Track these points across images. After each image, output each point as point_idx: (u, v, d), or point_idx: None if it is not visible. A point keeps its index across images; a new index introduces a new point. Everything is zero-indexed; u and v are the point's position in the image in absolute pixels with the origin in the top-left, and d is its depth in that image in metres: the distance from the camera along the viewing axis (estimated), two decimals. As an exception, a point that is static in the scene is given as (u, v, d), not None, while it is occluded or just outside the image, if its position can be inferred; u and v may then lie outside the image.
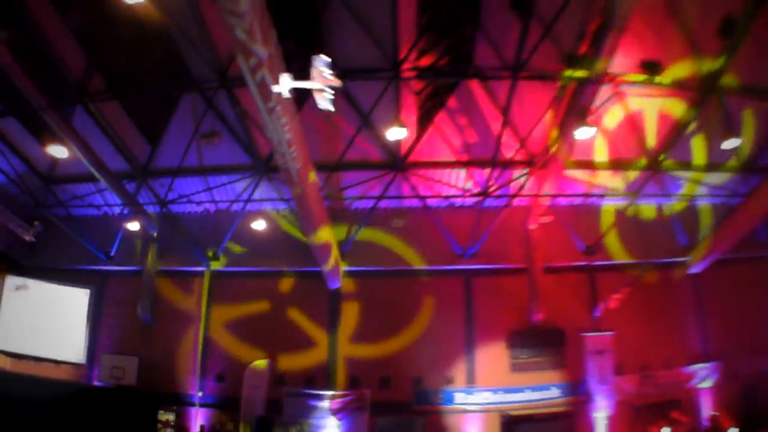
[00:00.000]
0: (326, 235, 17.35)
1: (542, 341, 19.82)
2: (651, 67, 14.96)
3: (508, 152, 17.90)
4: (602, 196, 19.82)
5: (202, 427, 19.04)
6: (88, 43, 16.52)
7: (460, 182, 19.08)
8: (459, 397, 19.31)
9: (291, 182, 14.21)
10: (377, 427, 19.09)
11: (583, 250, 20.03)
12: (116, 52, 16.56)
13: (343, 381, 19.37)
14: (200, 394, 19.47)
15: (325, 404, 18.98)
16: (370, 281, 19.96)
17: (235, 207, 19.45)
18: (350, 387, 19.17)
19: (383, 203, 19.19)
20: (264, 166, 18.46)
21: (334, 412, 18.97)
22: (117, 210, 20.37)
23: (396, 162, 18.40)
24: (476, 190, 18.45)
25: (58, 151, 16.98)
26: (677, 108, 17.79)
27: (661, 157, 18.61)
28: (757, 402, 20.82)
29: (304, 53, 14.51)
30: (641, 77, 15.40)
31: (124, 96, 17.77)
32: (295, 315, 19.63)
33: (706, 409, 20.54)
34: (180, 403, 19.54)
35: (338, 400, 18.98)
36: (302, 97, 14.27)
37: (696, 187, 19.99)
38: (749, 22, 14.34)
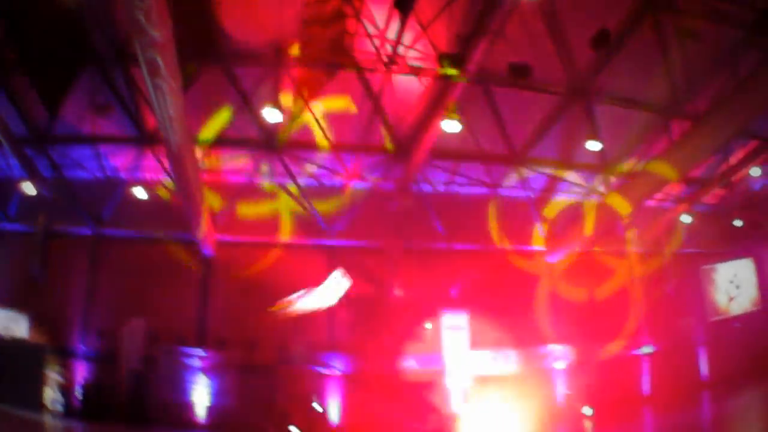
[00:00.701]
0: (201, 205, 18.56)
1: (401, 315, 21.21)
2: (520, 70, 15.93)
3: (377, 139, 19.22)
4: (465, 185, 21.05)
5: (85, 379, 20.17)
6: (6, 13, 17.05)
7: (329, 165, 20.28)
8: (320, 362, 20.79)
9: (171, 154, 15.10)
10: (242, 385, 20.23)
11: (443, 234, 21.41)
12: (30, 25, 17.04)
13: (212, 342, 20.47)
14: (84, 348, 20.64)
15: (197, 362, 20.19)
16: (242, 251, 21.19)
17: (122, 175, 20.59)
18: (220, 348, 20.29)
19: (259, 179, 20.40)
20: (150, 138, 19.70)
21: (204, 370, 20.20)
22: (15, 173, 21.43)
23: (272, 142, 19.69)
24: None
25: None
26: (544, 108, 19.36)
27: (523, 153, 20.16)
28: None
29: (195, 35, 16.24)
30: (509, 79, 16.41)
31: (30, 66, 18.82)
32: (172, 278, 20.74)
33: (560, 388, 22.06)
34: (66, 355, 20.62)
35: (207, 358, 20.19)
36: (189, 79, 15.58)
37: (556, 183, 21.48)
38: (625, 36, 15.77)
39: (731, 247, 27.05)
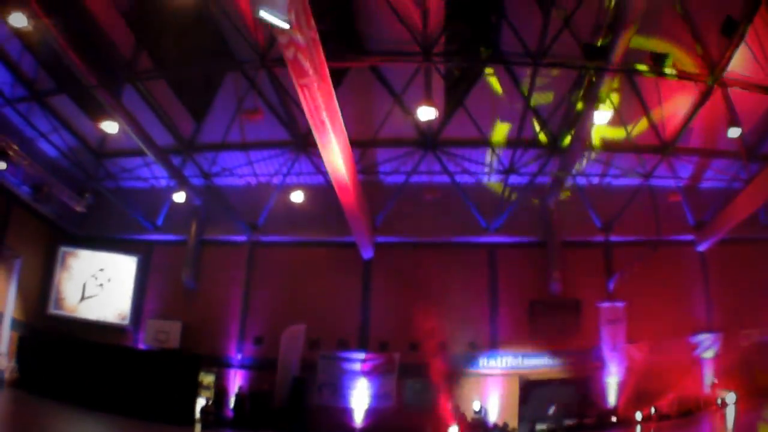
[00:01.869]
0: (361, 207, 18.55)
1: (560, 310, 21.11)
2: (659, 58, 15.99)
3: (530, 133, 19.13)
4: (618, 176, 21.04)
5: (240, 387, 20.21)
6: (136, 24, 17.59)
7: (485, 160, 20.22)
8: (482, 361, 20.65)
9: (331, 158, 15.02)
10: (405, 387, 20.24)
11: (600, 227, 21.36)
12: (163, 33, 17.44)
13: (374, 345, 20.50)
14: (239, 356, 20.64)
15: (357, 366, 20.20)
16: (401, 252, 21.24)
17: (275, 180, 20.58)
18: (380, 350, 20.33)
19: (414, 178, 20.46)
20: (302, 141, 19.66)
21: (365, 373, 20.22)
22: (163, 182, 21.55)
23: (426, 140, 19.63)
24: (501, 168, 19.69)
25: (109, 126, 17.69)
26: (685, 99, 19.16)
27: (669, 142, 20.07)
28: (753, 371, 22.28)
29: (338, 33, 16.20)
30: (651, 67, 16.45)
31: (171, 75, 18.85)
32: (330, 283, 20.76)
33: (708, 377, 21.97)
34: (220, 365, 20.70)
35: (369, 362, 20.20)
36: (339, 76, 15.53)
37: (702, 171, 21.37)
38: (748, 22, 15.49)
39: None
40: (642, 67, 16.96)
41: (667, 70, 16.78)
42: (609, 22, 14.19)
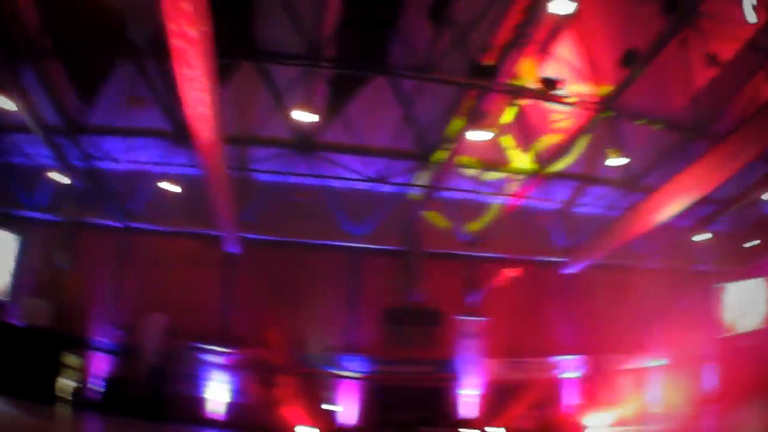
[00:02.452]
0: (228, 202, 18.89)
1: (418, 319, 21.50)
2: (549, 83, 16.54)
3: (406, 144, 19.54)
4: (488, 193, 21.47)
5: (106, 372, 20.36)
6: (42, 3, 17.41)
7: (359, 167, 20.60)
8: (339, 364, 21.09)
9: (202, 150, 15.39)
10: (261, 384, 20.57)
11: (466, 241, 21.81)
12: (65, 15, 17.49)
13: (233, 340, 20.80)
14: (107, 341, 20.81)
15: (216, 359, 20.52)
16: (268, 250, 21.46)
17: (154, 169, 20.88)
18: (239, 346, 20.63)
19: (287, 179, 20.76)
20: (182, 132, 19.87)
21: (223, 367, 20.53)
22: (47, 162, 21.68)
23: (303, 143, 19.99)
24: (372, 176, 20.10)
25: (5, 102, 17.35)
26: (569, 122, 19.65)
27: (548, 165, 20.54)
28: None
29: (231, 30, 16.55)
30: (539, 90, 16.95)
31: (66, 56, 18.95)
32: (196, 275, 20.97)
33: (571, 398, 22.48)
34: (88, 348, 20.82)
35: (227, 356, 20.52)
36: (226, 73, 15.86)
37: (578, 195, 21.83)
38: (651, 57, 15.94)
39: (743, 266, 27.41)
40: (528, 89, 17.37)
41: (556, 95, 17.31)
42: (501, 43, 14.71)
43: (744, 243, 26.16)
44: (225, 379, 20.41)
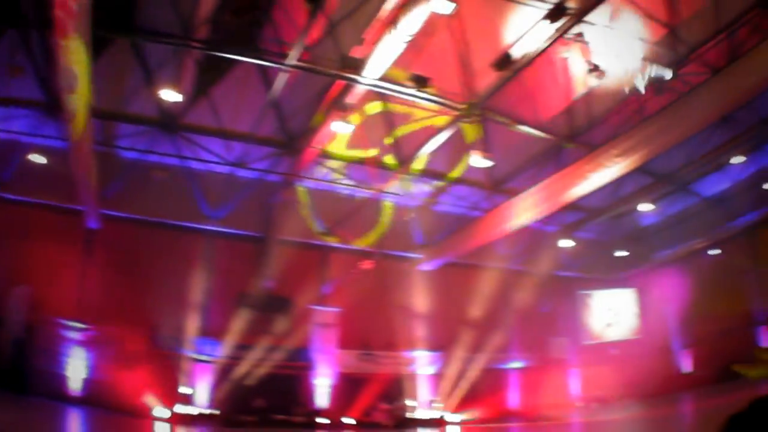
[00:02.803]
0: (90, 176, 18.70)
1: (272, 306, 21.77)
2: (419, 81, 16.79)
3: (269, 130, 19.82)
4: (349, 185, 21.97)
5: None
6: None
7: (220, 150, 20.79)
8: (192, 347, 21.05)
9: (70, 123, 15.04)
10: (117, 362, 20.38)
11: (322, 231, 22.20)
12: None
13: (91, 317, 20.58)
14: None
15: (74, 335, 20.32)
16: (126, 227, 21.34)
17: (23, 139, 20.47)
18: (96, 323, 20.42)
19: (150, 157, 20.80)
20: (54, 104, 19.70)
21: (81, 344, 20.33)
22: None
23: (168, 122, 20.10)
24: (232, 160, 20.33)
25: None
26: (437, 121, 19.96)
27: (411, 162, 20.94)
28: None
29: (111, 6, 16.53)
30: (408, 88, 17.17)
31: None
32: (56, 249, 20.58)
33: (426, 392, 22.99)
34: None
35: (85, 333, 20.34)
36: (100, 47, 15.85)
37: (439, 194, 22.45)
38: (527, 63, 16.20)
39: (611, 275, 28.45)
40: (396, 86, 17.46)
41: (424, 93, 17.46)
42: (374, 37, 14.81)
43: (613, 252, 27.00)
44: (83, 355, 19.98)
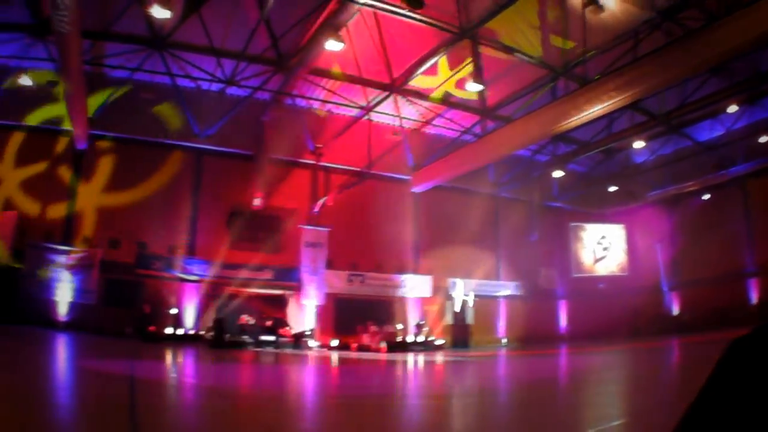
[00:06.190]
0: (80, 96, 19.30)
1: (262, 225, 22.99)
2: (414, 1, 16.88)
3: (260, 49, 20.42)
4: (340, 104, 22.95)
5: None
6: None
7: (210, 68, 21.38)
8: (179, 266, 22.10)
9: (60, 45, 15.82)
10: (106, 285, 21.32)
11: (312, 150, 22.97)
12: None
13: (78, 239, 21.65)
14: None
15: (62, 259, 21.08)
16: (114, 146, 22.52)
17: (10, 63, 21.21)
18: (83, 245, 21.52)
19: (139, 76, 21.81)
20: (42, 27, 20.21)
21: (69, 267, 21.09)
22: None
23: (156, 40, 20.65)
24: (222, 78, 20.90)
25: None
26: (431, 42, 20.76)
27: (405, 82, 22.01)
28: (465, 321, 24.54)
29: None
30: (402, 8, 17.80)
31: None
32: (42, 171, 21.65)
33: (414, 316, 23.95)
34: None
35: (73, 255, 21.09)
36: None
37: (433, 116, 23.21)
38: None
39: (603, 210, 29.43)
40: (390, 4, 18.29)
41: (417, 15, 18.21)
42: None
43: (606, 187, 27.89)
44: (71, 279, 20.76)
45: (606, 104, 17.10)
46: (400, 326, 23.97)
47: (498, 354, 22.55)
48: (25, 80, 20.71)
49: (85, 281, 21.32)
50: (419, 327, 24.16)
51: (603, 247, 30.12)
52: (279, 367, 15.84)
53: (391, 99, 22.51)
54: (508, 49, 20.78)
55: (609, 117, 21.66)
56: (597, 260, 30.06)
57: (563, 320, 28.40)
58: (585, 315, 27.48)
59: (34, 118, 21.75)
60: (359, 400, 8.86)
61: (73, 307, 20.97)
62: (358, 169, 23.67)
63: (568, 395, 9.85)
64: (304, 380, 13.08)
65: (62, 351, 15.79)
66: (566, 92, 19.74)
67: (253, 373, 14.47)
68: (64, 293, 21.09)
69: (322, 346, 22.53)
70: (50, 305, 20.76)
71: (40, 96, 21.20)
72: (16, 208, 21.13)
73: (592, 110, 17.58)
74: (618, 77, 16.64)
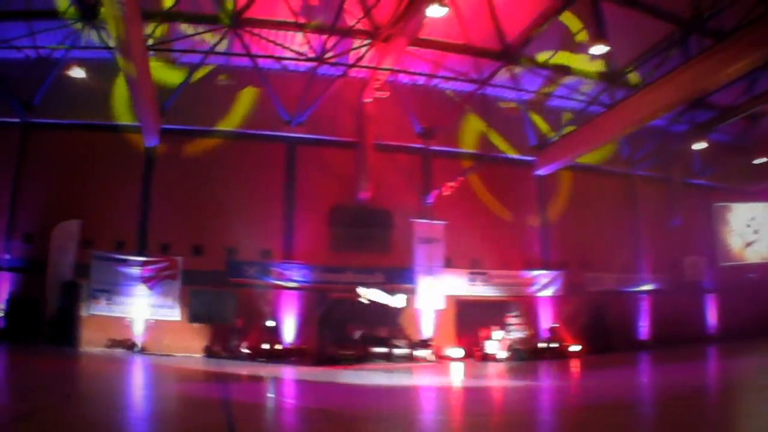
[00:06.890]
0: (148, 86, 17.13)
1: (368, 221, 20.40)
2: None
3: (351, 20, 17.82)
4: (448, 79, 20.20)
5: (11, 293, 18.56)
6: None
7: (295, 46, 18.95)
8: (275, 272, 19.55)
9: (117, 31, 13.77)
10: (189, 296, 18.98)
11: (420, 133, 20.37)
12: None
13: (154, 247, 19.28)
14: (7, 256, 19.08)
15: (136, 270, 18.81)
16: (189, 142, 20.22)
17: (57, 54, 19.23)
18: (161, 253, 19.10)
19: (212, 60, 19.53)
20: (91, 12, 18.18)
21: (145, 279, 18.85)
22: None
23: (229, 16, 18.26)
24: (312, 56, 18.36)
25: None
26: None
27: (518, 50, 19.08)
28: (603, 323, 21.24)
29: None
30: None
31: None
32: (110, 174, 19.66)
33: (546, 318, 20.82)
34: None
35: (149, 266, 18.85)
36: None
37: (554, 87, 20.21)
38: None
39: (750, 186, 25.71)
40: None
41: None
42: None
43: (752, 159, 24.33)
44: (147, 292, 18.68)
45: (745, 62, 14.38)
46: (528, 331, 20.85)
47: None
48: (77, 72, 18.45)
49: (165, 293, 19.08)
50: (552, 331, 20.96)
51: (753, 230, 26.46)
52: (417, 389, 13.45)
53: (504, 70, 19.68)
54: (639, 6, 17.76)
55: (749, 76, 18.38)
56: (747, 245, 26.34)
57: (712, 317, 24.68)
58: (737, 310, 23.69)
59: (90, 115, 19.67)
60: None
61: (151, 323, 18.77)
62: (475, 153, 20.81)
63: None
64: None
65: (154, 376, 13.98)
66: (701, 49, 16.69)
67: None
68: (138, 309, 18.86)
69: (443, 357, 19.67)
70: (121, 324, 18.56)
71: (98, 91, 19.15)
72: (79, 217, 18.86)
73: (730, 69, 14.80)
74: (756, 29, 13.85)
